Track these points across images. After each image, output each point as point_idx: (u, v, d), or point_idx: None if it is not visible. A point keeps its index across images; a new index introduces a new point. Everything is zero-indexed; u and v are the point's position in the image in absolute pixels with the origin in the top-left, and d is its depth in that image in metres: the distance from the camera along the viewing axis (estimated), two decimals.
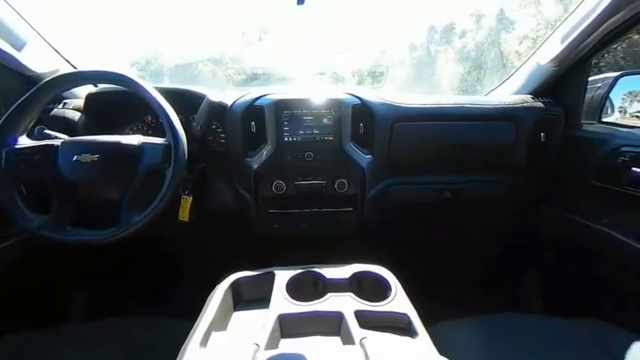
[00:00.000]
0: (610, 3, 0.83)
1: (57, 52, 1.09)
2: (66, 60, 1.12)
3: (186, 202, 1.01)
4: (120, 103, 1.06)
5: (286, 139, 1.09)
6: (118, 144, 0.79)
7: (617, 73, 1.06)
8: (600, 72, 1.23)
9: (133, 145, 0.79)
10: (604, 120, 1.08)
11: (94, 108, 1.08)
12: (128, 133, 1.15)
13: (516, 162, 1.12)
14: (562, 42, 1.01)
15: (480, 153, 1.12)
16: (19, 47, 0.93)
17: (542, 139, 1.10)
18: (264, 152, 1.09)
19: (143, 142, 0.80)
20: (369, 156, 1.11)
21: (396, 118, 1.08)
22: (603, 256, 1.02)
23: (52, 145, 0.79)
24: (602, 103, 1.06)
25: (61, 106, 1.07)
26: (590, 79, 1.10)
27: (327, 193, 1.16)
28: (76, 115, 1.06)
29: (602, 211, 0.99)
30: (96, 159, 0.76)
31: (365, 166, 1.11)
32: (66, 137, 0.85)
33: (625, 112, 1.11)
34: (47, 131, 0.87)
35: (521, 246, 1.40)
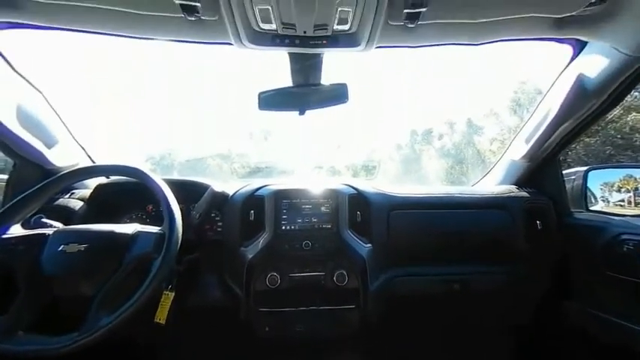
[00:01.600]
0: (557, 114, 1.01)
1: (82, 147, 1.21)
2: (87, 154, 1.24)
3: (167, 299, 0.91)
4: (125, 192, 1.11)
5: (284, 227, 1.09)
6: (110, 233, 0.78)
7: (584, 168, 1.18)
8: (570, 167, 1.37)
9: (126, 234, 0.77)
10: (591, 209, 1.13)
11: (99, 197, 1.11)
12: (126, 222, 1.14)
13: (519, 250, 1.11)
14: (527, 142, 1.17)
15: (479, 241, 1.11)
16: (50, 145, 1.04)
17: (538, 227, 1.12)
18: (261, 240, 1.06)
19: (138, 231, 0.79)
20: (369, 244, 1.09)
21: (392, 206, 1.12)
22: (629, 351, 0.88)
23: (44, 234, 0.77)
24: (584, 193, 1.14)
25: (67, 195, 1.10)
26: (564, 172, 1.22)
27: (325, 286, 1.06)
28: (78, 205, 1.08)
29: (623, 304, 0.92)
30: (82, 249, 0.73)
31: (365, 255, 1.07)
32: (61, 226, 0.84)
33: (608, 202, 1.18)
34: (45, 220, 0.86)
35: (537, 340, 1.23)
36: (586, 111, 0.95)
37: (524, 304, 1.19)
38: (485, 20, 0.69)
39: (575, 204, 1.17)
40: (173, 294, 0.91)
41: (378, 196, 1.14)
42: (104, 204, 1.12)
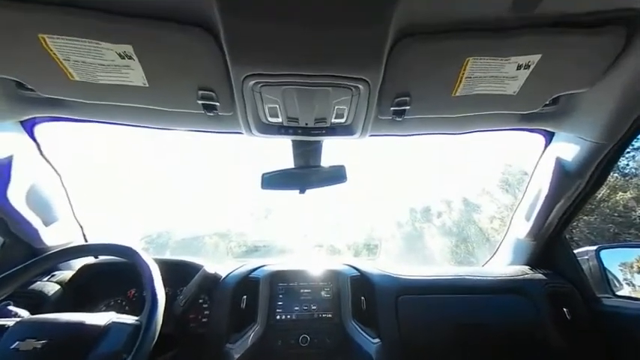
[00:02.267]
0: (549, 194, 1.04)
1: (80, 225, 1.19)
2: (83, 233, 1.21)
3: None
4: (109, 275, 1.03)
5: (279, 316, 0.96)
6: (79, 325, 0.68)
7: (594, 247, 1.13)
8: (578, 245, 1.32)
9: (97, 327, 0.67)
10: (619, 294, 1.03)
11: (79, 280, 1.03)
12: (102, 310, 1.02)
13: (553, 347, 0.94)
14: (527, 220, 1.16)
15: (503, 334, 0.96)
16: (49, 222, 1.03)
17: (567, 316, 0.99)
18: (251, 335, 0.91)
19: (112, 322, 0.69)
20: (377, 340, 0.93)
21: (399, 290, 1.02)
22: None
23: (3, 325, 0.67)
24: (604, 275, 1.06)
25: (46, 278, 1.02)
26: (574, 251, 1.16)
27: None
28: (54, 289, 0.98)
29: None
30: (39, 346, 0.62)
31: (373, 354, 0.90)
32: (26, 315, 0.74)
33: (634, 285, 1.08)
34: (11, 307, 0.77)
35: None
36: (574, 191, 0.99)
37: None
38: (462, 115, 0.80)
39: (597, 287, 1.07)
40: None
41: (383, 278, 1.05)
42: (83, 288, 1.02)
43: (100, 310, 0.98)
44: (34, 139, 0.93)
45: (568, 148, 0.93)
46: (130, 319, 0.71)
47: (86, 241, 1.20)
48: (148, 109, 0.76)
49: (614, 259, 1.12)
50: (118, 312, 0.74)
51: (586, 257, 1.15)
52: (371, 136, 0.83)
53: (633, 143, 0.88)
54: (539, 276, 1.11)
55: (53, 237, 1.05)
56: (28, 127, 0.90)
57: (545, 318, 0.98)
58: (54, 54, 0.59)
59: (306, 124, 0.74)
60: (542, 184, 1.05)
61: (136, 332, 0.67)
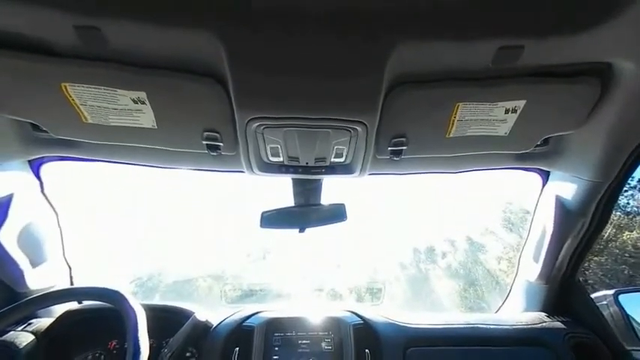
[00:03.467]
0: (554, 233, 1.01)
1: (69, 267, 1.12)
2: (70, 275, 1.14)
3: None
4: (90, 323, 0.94)
5: None
6: None
7: (611, 292, 1.06)
8: (593, 288, 1.24)
9: None
10: None
11: (57, 330, 0.94)
12: None
13: None
14: (536, 262, 1.11)
15: None
16: (36, 264, 0.98)
17: None
18: None
19: None
20: None
21: (408, 342, 0.92)
22: None
23: None
24: (629, 324, 0.98)
25: (20, 327, 0.93)
26: (592, 295, 1.09)
27: None
28: (27, 340, 0.89)
29: None
30: None
31: None
32: None
33: None
34: None
35: None
36: (580, 229, 0.96)
37: None
38: (457, 155, 0.82)
39: (622, 337, 0.98)
40: None
41: (389, 327, 0.97)
42: (59, 339, 0.93)
43: None
44: (39, 178, 0.94)
45: (566, 187, 0.94)
46: None
47: (72, 283, 1.13)
48: (154, 149, 0.79)
49: (635, 305, 1.04)
50: None
51: (604, 302, 1.08)
52: (370, 174, 0.84)
53: (629, 182, 0.89)
54: (558, 324, 1.02)
55: (38, 280, 0.99)
56: (35, 166, 0.92)
57: None
58: (72, 99, 0.62)
59: (307, 163, 0.75)
60: (545, 223, 1.03)
61: None
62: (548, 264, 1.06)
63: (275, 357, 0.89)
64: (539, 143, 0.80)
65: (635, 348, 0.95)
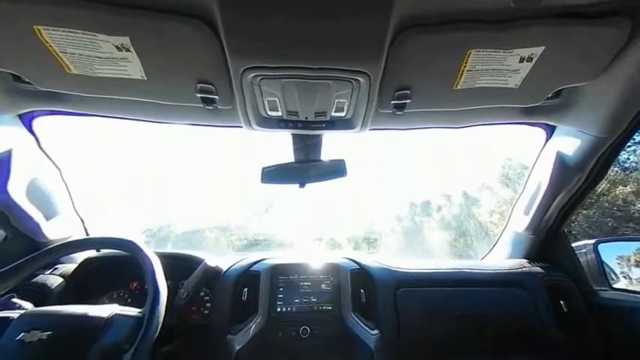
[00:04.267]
0: (548, 188, 1.04)
1: (81, 219, 1.19)
2: (84, 227, 1.21)
3: None
4: (111, 268, 1.04)
5: (279, 309, 0.97)
6: (82, 317, 0.69)
7: (592, 241, 1.14)
8: (576, 238, 1.33)
9: (100, 319, 0.68)
10: (615, 287, 1.04)
11: (82, 274, 1.04)
12: (105, 302, 1.03)
13: (549, 338, 0.96)
14: (526, 214, 1.17)
15: (501, 328, 0.97)
16: (50, 217, 1.04)
17: (564, 308, 1.00)
18: (252, 326, 0.93)
19: (114, 314, 0.70)
20: (376, 331, 0.95)
21: (398, 283, 1.03)
22: None
23: (8, 317, 0.68)
24: (602, 269, 1.07)
25: (48, 271, 1.03)
26: (572, 244, 1.17)
27: None
28: (57, 282, 0.99)
29: None
30: (44, 337, 0.64)
31: (373, 346, 0.92)
32: (30, 308, 0.76)
33: (630, 278, 1.09)
34: (15, 300, 0.78)
35: None
36: (574, 185, 0.99)
37: None
38: (462, 109, 0.79)
39: (594, 280, 1.08)
40: None
41: (383, 271, 1.06)
42: (85, 281, 1.03)
43: (102, 303, 0.99)
44: (33, 133, 0.92)
45: (569, 142, 0.93)
46: (132, 311, 0.72)
47: (87, 234, 1.21)
48: (146, 103, 0.76)
49: (611, 253, 1.13)
50: (120, 304, 0.75)
51: (584, 251, 1.16)
52: (371, 129, 0.83)
53: (634, 137, 0.88)
54: (537, 269, 1.12)
55: (54, 231, 1.05)
56: (27, 120, 0.90)
57: (542, 310, 0.99)
58: (50, 46, 0.58)
59: (306, 117, 0.74)
60: (542, 178, 1.05)
61: (139, 324, 0.68)
62: (538, 216, 1.12)
63: (280, 296, 0.99)
64: (549, 96, 0.77)
65: (602, 288, 1.06)
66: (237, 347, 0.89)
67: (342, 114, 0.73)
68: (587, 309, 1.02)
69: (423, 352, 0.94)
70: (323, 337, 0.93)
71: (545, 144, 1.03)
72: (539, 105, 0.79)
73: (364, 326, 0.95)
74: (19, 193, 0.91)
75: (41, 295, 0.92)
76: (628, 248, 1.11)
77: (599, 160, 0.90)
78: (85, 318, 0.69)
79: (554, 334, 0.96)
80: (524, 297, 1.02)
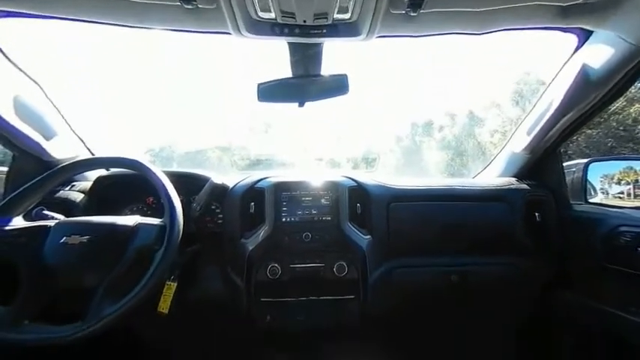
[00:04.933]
0: (560, 105, 1.00)
1: (81, 140, 1.20)
2: (87, 147, 1.23)
3: (170, 289, 0.92)
4: (125, 185, 1.11)
5: (284, 219, 1.09)
6: (112, 225, 0.78)
7: (585, 160, 1.17)
8: (570, 159, 1.36)
9: (128, 226, 0.78)
10: (590, 201, 1.13)
11: (100, 190, 1.11)
12: (127, 214, 1.15)
13: (518, 242, 1.11)
14: (528, 134, 1.16)
15: (478, 233, 1.12)
16: (49, 137, 1.04)
17: (537, 219, 1.12)
18: (261, 232, 1.07)
19: (139, 223, 0.79)
20: (368, 236, 1.09)
21: (391, 198, 1.12)
22: (625, 342, 0.91)
23: (46, 225, 0.77)
24: (584, 185, 1.14)
25: (67, 188, 1.10)
26: (565, 164, 1.21)
27: (325, 277, 1.08)
28: (79, 197, 1.08)
29: (621, 295, 0.94)
30: (85, 240, 0.74)
31: (365, 247, 1.08)
32: (62, 218, 0.85)
33: (607, 194, 1.17)
34: (46, 212, 0.87)
35: (538, 332, 1.26)
36: (589, 102, 0.94)
37: (523, 295, 1.21)
38: (488, 9, 0.67)
39: (575, 196, 1.16)
40: (175, 284, 0.93)
41: (378, 188, 1.14)
42: (105, 196, 1.12)
43: (125, 215, 1.10)
44: None
45: (601, 51, 0.83)
46: (154, 220, 0.81)
47: (92, 154, 1.24)
48: (116, 1, 0.64)
49: (599, 172, 1.17)
50: (141, 216, 0.84)
51: (573, 170, 1.21)
52: (379, 37, 0.73)
53: None
54: (523, 186, 1.19)
55: (59, 151, 1.07)
56: None
57: (517, 221, 1.11)
58: None
59: (304, 21, 0.64)
60: (557, 94, 0.99)
61: (163, 231, 0.77)
62: (540, 136, 1.12)
63: (284, 208, 1.10)
64: None
65: (577, 202, 1.16)
66: (250, 248, 1.05)
67: (347, 15, 0.63)
68: (558, 220, 1.14)
69: (406, 251, 1.11)
70: (323, 240, 1.09)
71: (572, 54, 0.92)
72: (581, 3, 0.67)
73: (358, 232, 1.09)
74: (10, 114, 0.88)
75: (67, 208, 1.02)
76: (617, 167, 1.14)
77: (627, 73, 0.82)
78: (114, 225, 0.79)
79: (522, 239, 1.11)
80: (504, 209, 1.13)
